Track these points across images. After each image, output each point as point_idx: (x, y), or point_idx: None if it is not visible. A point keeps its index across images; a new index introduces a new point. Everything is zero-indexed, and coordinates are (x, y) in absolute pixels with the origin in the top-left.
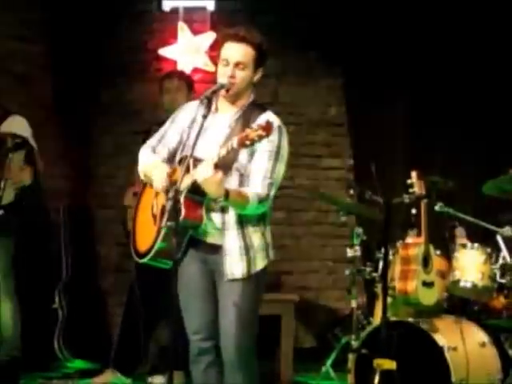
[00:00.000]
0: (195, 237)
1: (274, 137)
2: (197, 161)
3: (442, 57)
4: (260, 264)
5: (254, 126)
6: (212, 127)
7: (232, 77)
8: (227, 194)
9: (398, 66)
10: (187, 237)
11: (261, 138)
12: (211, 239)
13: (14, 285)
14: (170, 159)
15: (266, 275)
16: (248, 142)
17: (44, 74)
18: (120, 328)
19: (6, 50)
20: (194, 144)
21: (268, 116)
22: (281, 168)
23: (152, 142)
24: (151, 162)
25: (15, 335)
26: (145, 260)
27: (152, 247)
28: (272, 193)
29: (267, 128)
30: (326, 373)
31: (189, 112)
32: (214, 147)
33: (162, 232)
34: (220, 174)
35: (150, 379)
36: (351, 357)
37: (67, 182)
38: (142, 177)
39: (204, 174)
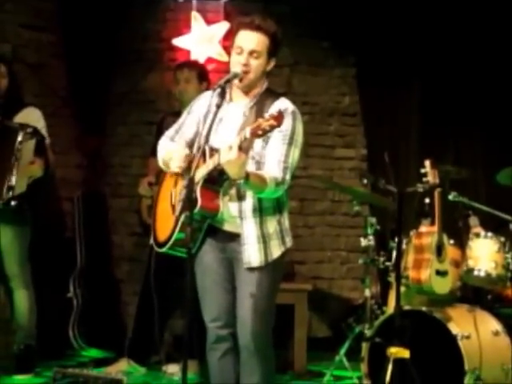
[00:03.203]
0: (213, 225)
1: (287, 122)
2: (213, 150)
3: (455, 46)
4: (277, 252)
5: (266, 115)
6: (227, 117)
7: (246, 65)
8: (247, 176)
9: (411, 55)
10: (206, 225)
11: (272, 127)
12: (229, 227)
13: (30, 274)
14: (189, 149)
15: (283, 263)
16: (260, 132)
17: (58, 63)
18: (135, 317)
19: (19, 40)
20: (208, 133)
21: (282, 102)
22: (295, 152)
23: (170, 132)
24: (171, 147)
25: (31, 323)
26: (164, 249)
27: (170, 237)
28: (288, 177)
29: (279, 118)
30: (339, 362)
31: (204, 102)
32: (228, 137)
33: (180, 222)
34: (244, 156)
35: (164, 368)
36: (365, 346)
37: (81, 171)
38: (161, 165)
39: (228, 156)
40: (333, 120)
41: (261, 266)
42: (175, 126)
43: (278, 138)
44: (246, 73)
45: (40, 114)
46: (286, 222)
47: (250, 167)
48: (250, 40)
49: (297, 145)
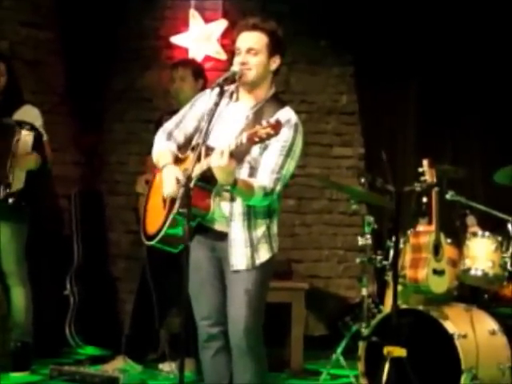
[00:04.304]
0: (203, 224)
1: (288, 133)
2: (209, 149)
3: (454, 44)
4: (264, 255)
5: (264, 123)
6: (230, 116)
7: (244, 63)
8: (235, 182)
9: (409, 54)
10: (195, 224)
11: (269, 136)
12: (219, 227)
13: (27, 271)
14: (186, 144)
15: (272, 265)
16: (257, 139)
17: (55, 60)
18: (131, 315)
19: (17, 37)
20: (206, 132)
21: (286, 112)
22: (291, 164)
23: (169, 125)
24: (164, 149)
25: (27, 321)
26: (152, 243)
27: (160, 231)
28: (278, 187)
29: (276, 127)
30: (336, 360)
31: (207, 99)
32: (228, 137)
33: (171, 217)
34: (233, 163)
35: (161, 366)
36: (361, 344)
37: (78, 168)
38: (154, 161)
39: (219, 162)
40: (330, 119)
41: (248, 269)
42: (175, 119)
43: (276, 147)
44: (245, 71)
45: (38, 112)
46: (275, 228)
47: (244, 171)
48: (247, 39)
49: (293, 157)
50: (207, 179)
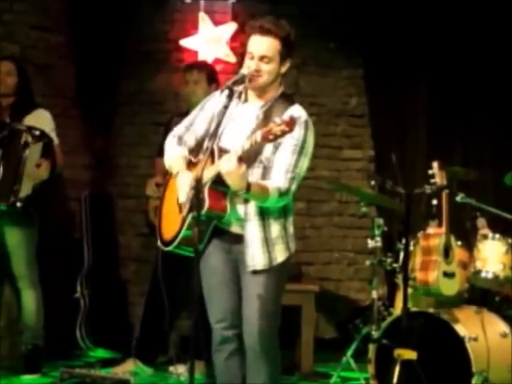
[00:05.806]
0: (219, 227)
1: (299, 131)
2: (222, 151)
3: (463, 46)
4: (281, 256)
5: (278, 120)
6: (240, 117)
7: (257, 71)
8: (249, 187)
9: (418, 56)
10: (211, 226)
11: (284, 133)
12: (235, 229)
13: (38, 274)
14: (198, 147)
15: (288, 266)
16: (271, 137)
17: (66, 63)
18: (142, 317)
19: (28, 40)
20: (215, 134)
21: (295, 110)
22: (304, 162)
23: (180, 129)
24: (177, 156)
25: (38, 324)
26: (170, 248)
27: (177, 236)
28: (293, 187)
29: (290, 123)
30: (346, 363)
31: (217, 101)
32: (240, 138)
33: (187, 221)
34: (243, 167)
35: (171, 369)
36: (372, 347)
37: (89, 171)
38: (167, 167)
39: (228, 167)
40: (340, 121)
41: (265, 269)
42: (185, 123)
43: (288, 146)
44: (257, 77)
45: (50, 116)
46: (291, 228)
47: (257, 171)
48: (260, 45)
49: (306, 155)
50: (222, 181)
